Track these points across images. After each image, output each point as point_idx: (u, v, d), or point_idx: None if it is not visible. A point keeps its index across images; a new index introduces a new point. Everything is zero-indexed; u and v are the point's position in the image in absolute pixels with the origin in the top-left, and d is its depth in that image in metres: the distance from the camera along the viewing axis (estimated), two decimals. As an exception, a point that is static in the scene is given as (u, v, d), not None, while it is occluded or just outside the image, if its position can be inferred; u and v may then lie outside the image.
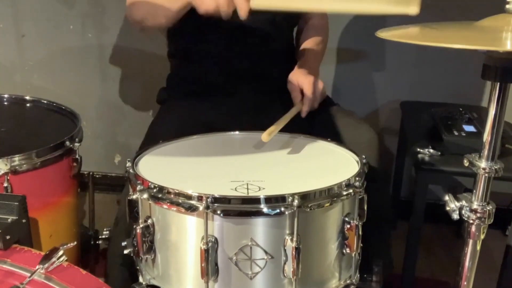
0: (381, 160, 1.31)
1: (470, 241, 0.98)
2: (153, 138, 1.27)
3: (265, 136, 1.13)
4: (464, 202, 0.97)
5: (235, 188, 0.96)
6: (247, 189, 0.95)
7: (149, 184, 0.95)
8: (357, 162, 1.07)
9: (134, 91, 2.22)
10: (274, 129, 1.16)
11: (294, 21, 1.53)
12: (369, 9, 1.02)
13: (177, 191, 0.92)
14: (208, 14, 1.12)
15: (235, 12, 1.11)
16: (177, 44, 1.52)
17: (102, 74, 2.20)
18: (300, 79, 1.36)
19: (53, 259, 0.90)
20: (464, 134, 1.51)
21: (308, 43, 1.50)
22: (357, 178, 0.98)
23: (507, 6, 0.87)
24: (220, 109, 1.40)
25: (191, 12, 1.36)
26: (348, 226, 0.97)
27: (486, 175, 0.93)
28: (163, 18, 1.33)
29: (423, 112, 1.77)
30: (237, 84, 1.43)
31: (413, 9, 0.92)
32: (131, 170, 1.01)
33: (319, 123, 1.37)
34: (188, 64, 1.48)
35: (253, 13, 1.10)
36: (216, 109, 1.40)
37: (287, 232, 0.91)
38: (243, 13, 1.09)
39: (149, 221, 0.97)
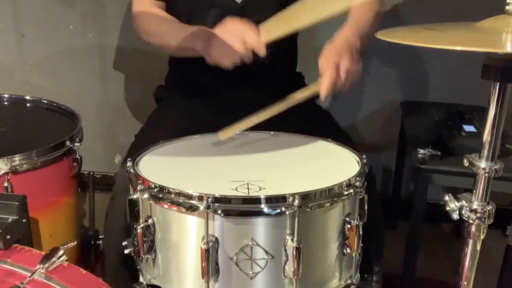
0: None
1: (470, 241, 0.98)
2: (148, 135, 1.28)
3: (222, 135, 1.16)
4: (464, 202, 0.97)
5: (236, 188, 0.96)
6: (248, 189, 0.95)
7: (150, 184, 0.95)
8: (358, 162, 1.07)
9: (134, 91, 2.22)
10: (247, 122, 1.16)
11: None
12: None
13: (177, 191, 0.92)
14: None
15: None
16: None
17: (102, 74, 2.20)
18: (324, 54, 1.20)
19: (54, 259, 0.90)
20: (464, 134, 1.51)
21: (353, 15, 1.35)
22: (357, 178, 0.98)
23: (507, 7, 0.87)
24: (219, 109, 1.40)
25: (189, 17, 1.37)
26: (349, 226, 0.97)
27: (486, 175, 0.93)
28: (170, 52, 1.40)
29: (423, 112, 1.77)
30: (236, 84, 1.43)
31: None
32: (131, 170, 1.01)
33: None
34: (187, 64, 1.49)
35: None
36: (214, 108, 1.40)
37: (288, 232, 0.91)
38: (262, 52, 1.11)
39: (150, 221, 0.97)
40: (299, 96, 1.17)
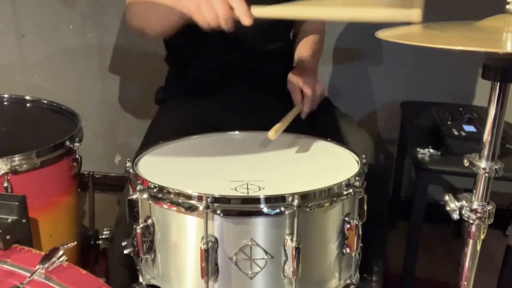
0: (378, 161, 1.31)
1: (470, 241, 0.98)
2: (153, 138, 1.28)
3: (272, 133, 1.13)
4: (464, 202, 0.97)
5: (235, 188, 0.96)
6: (247, 189, 0.95)
7: (149, 184, 0.95)
8: (357, 162, 1.07)
9: (134, 91, 2.22)
10: (280, 126, 1.16)
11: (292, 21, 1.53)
12: (368, 17, 1.00)
13: (177, 191, 0.92)
14: (210, 28, 1.08)
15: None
16: (174, 45, 1.52)
17: (102, 74, 2.20)
18: (299, 80, 1.36)
19: (53, 259, 0.90)
20: (464, 134, 1.51)
21: (306, 43, 1.50)
22: (357, 178, 0.98)
23: (507, 6, 0.86)
24: (219, 108, 1.40)
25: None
26: (348, 226, 0.97)
27: (486, 175, 0.93)
28: (161, 28, 1.32)
29: (423, 112, 1.77)
30: (236, 83, 1.44)
31: (415, 16, 0.91)
32: (131, 170, 1.01)
33: (318, 127, 1.36)
34: (187, 64, 1.48)
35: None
36: (215, 108, 1.41)
37: (287, 232, 0.91)
38: (247, 21, 1.05)
39: (149, 221, 0.97)
40: (290, 116, 1.25)
